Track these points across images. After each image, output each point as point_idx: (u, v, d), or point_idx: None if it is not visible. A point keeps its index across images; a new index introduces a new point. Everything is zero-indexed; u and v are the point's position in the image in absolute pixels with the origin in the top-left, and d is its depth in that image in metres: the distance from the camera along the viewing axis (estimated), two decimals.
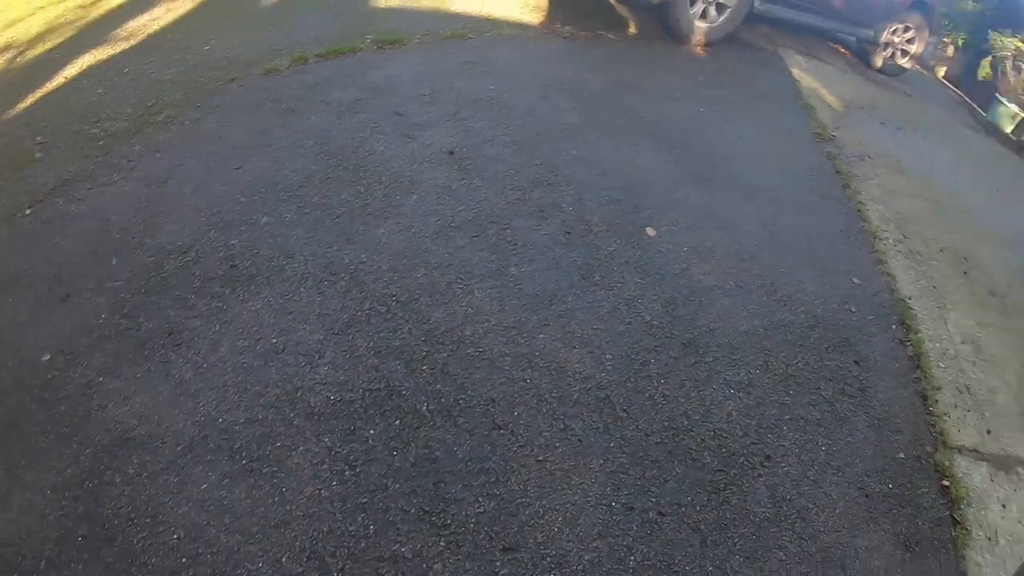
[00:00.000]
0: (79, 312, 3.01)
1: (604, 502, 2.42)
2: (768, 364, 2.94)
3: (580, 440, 2.56)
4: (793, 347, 3.04)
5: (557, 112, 4.16)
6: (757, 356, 2.97)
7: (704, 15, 5.54)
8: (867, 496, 2.61)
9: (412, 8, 5.82)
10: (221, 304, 2.99)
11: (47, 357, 2.84)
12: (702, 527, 2.39)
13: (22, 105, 4.40)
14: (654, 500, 2.44)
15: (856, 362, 3.07)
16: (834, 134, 5.11)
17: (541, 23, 5.56)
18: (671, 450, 2.59)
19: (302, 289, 3.03)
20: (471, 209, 3.40)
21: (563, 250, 3.26)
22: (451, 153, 3.71)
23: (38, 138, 4.08)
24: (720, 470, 2.56)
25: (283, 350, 2.79)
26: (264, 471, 2.45)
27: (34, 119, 4.22)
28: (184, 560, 2.24)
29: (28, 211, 3.58)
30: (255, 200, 3.50)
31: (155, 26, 5.40)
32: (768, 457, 2.63)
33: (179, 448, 2.53)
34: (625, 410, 2.67)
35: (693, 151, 4.17)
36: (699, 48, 5.62)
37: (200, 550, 2.27)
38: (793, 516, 2.48)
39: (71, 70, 4.63)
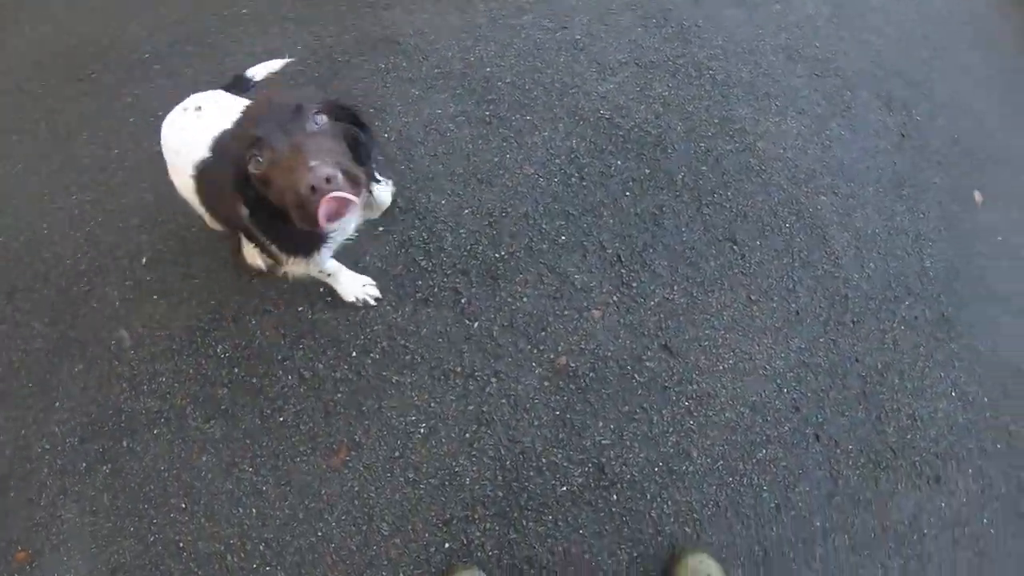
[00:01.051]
0: None
1: (777, 382, 2.17)
2: (998, 404, 2.45)
3: (797, 312, 2.28)
4: None
5: (959, 38, 3.49)
6: (994, 387, 2.49)
7: None
8: None
9: None
10: None
11: None
12: (839, 481, 2.11)
13: None
14: (820, 420, 2.17)
15: None
16: None
17: None
18: (867, 392, 2.27)
19: (627, 13, 2.82)
20: (825, 52, 2.98)
21: (888, 146, 2.83)
22: None
23: None
24: (892, 451, 2.23)
25: (581, 49, 2.61)
26: (499, 131, 2.37)
27: None
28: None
29: None
30: None
31: None
32: (938, 480, 2.25)
33: (436, 72, 2.50)
34: (854, 322, 2.35)
35: None
36: None
37: (398, 155, 2.33)
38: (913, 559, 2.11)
39: None
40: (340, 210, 1.07)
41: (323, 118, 1.23)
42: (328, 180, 1.04)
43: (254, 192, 1.21)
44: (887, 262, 2.52)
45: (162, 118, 2.25)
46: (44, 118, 2.46)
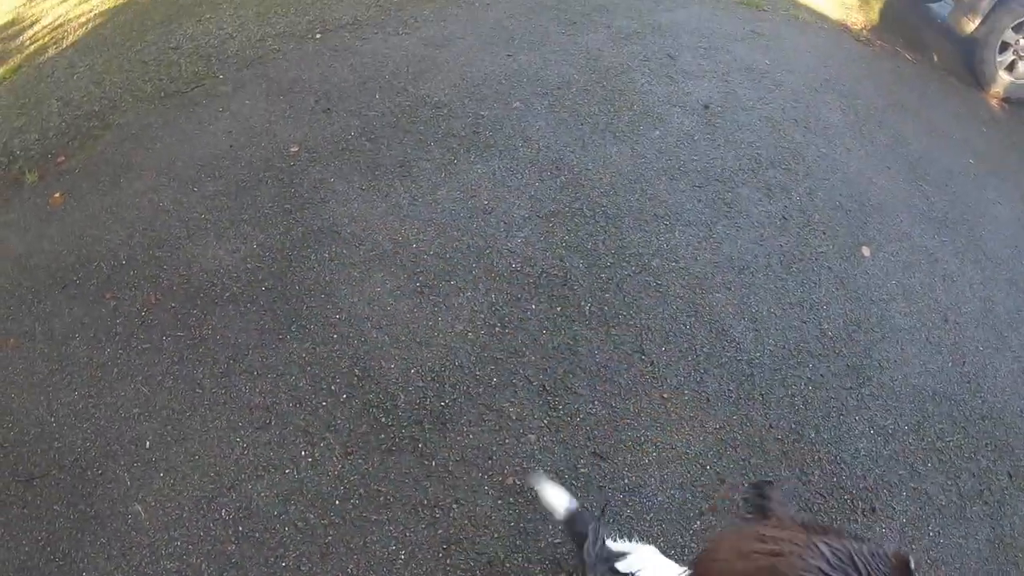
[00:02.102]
0: (334, 125, 3.55)
1: (700, 462, 2.52)
2: (920, 427, 2.82)
3: (708, 399, 2.67)
4: (954, 425, 2.86)
5: (822, 107, 4.08)
6: (913, 414, 2.85)
7: (1012, 68, 5.04)
8: None
9: None
10: (453, 158, 3.37)
11: (295, 149, 3.42)
12: None
13: None
14: (745, 485, 2.49)
15: (1009, 475, 2.83)
16: None
17: (843, 20, 5.31)
18: (786, 451, 2.62)
19: (526, 171, 3.33)
20: (704, 162, 3.50)
21: (774, 232, 3.28)
22: (706, 107, 3.79)
23: None
24: (822, 495, 2.55)
25: (490, 212, 3.12)
26: (430, 298, 2.84)
27: None
28: (335, 336, 2.72)
29: (318, 36, 4.20)
30: (514, 86, 3.82)
31: None
32: (873, 511, 2.56)
33: (372, 253, 2.99)
34: (762, 395, 2.73)
35: (938, 193, 3.93)
36: (995, 100, 5.14)
37: (351, 334, 2.72)
38: None
39: None
40: None
41: None
42: None
43: None
44: (785, 335, 2.94)
45: (145, 318, 2.74)
46: (38, 322, 2.85)
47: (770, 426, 2.67)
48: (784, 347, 2.89)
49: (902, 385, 2.93)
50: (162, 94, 3.82)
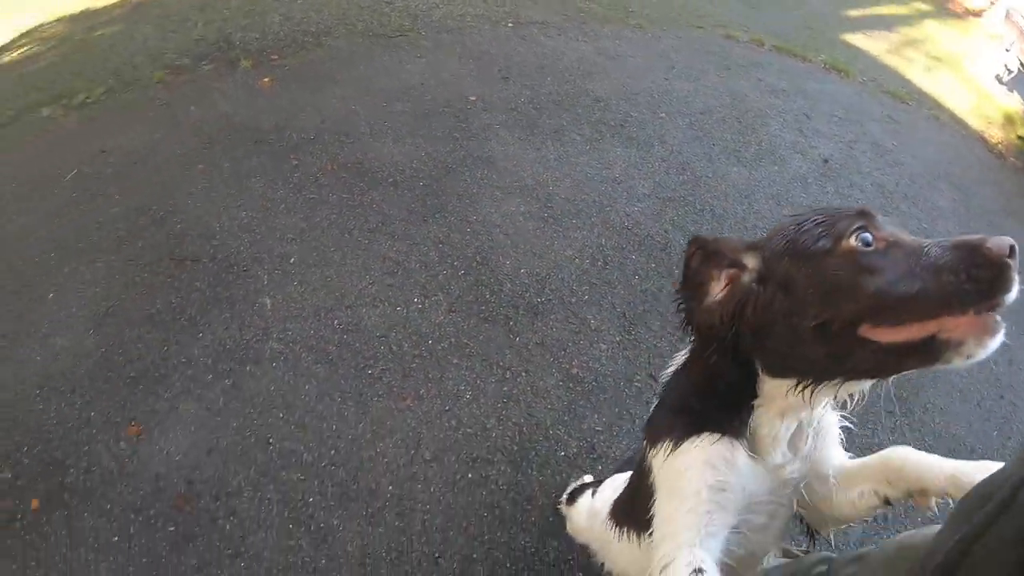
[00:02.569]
0: (509, 91, 4.30)
1: None
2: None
3: None
4: None
5: (934, 192, 4.38)
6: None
7: None
8: None
9: (872, 53, 6.38)
10: (599, 138, 4.00)
11: (473, 98, 4.18)
12: None
13: None
14: None
15: None
16: None
17: (981, 131, 5.55)
18: None
19: (656, 164, 3.91)
20: (810, 200, 3.93)
21: None
22: (825, 162, 4.24)
23: None
24: None
25: (618, 182, 3.69)
26: (553, 226, 3.42)
27: None
28: (468, 230, 3.33)
29: (510, 25, 5.03)
30: (664, 102, 4.43)
31: None
32: (886, 518, 2.66)
33: (515, 184, 3.63)
34: None
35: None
36: None
37: (482, 232, 3.33)
38: None
39: None
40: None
41: None
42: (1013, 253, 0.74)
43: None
44: None
45: (318, 178, 3.43)
46: (228, 159, 3.54)
47: None
48: None
49: (943, 430, 3.13)
50: (370, 33, 4.69)
